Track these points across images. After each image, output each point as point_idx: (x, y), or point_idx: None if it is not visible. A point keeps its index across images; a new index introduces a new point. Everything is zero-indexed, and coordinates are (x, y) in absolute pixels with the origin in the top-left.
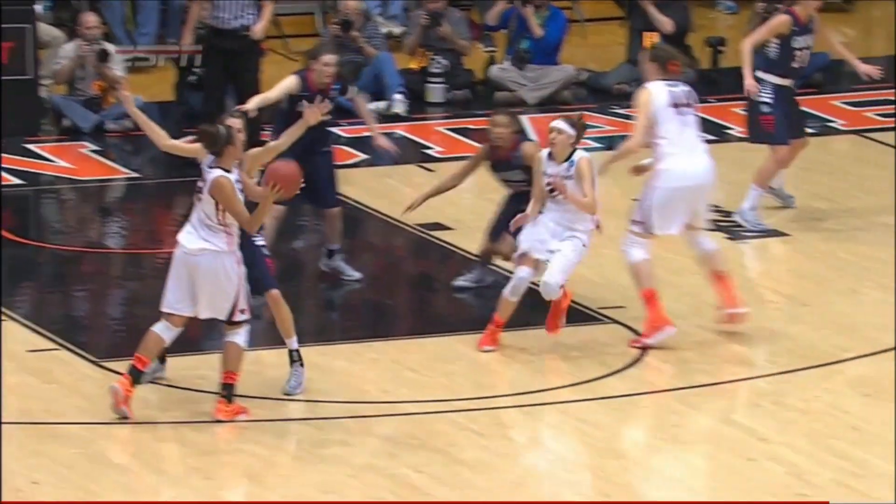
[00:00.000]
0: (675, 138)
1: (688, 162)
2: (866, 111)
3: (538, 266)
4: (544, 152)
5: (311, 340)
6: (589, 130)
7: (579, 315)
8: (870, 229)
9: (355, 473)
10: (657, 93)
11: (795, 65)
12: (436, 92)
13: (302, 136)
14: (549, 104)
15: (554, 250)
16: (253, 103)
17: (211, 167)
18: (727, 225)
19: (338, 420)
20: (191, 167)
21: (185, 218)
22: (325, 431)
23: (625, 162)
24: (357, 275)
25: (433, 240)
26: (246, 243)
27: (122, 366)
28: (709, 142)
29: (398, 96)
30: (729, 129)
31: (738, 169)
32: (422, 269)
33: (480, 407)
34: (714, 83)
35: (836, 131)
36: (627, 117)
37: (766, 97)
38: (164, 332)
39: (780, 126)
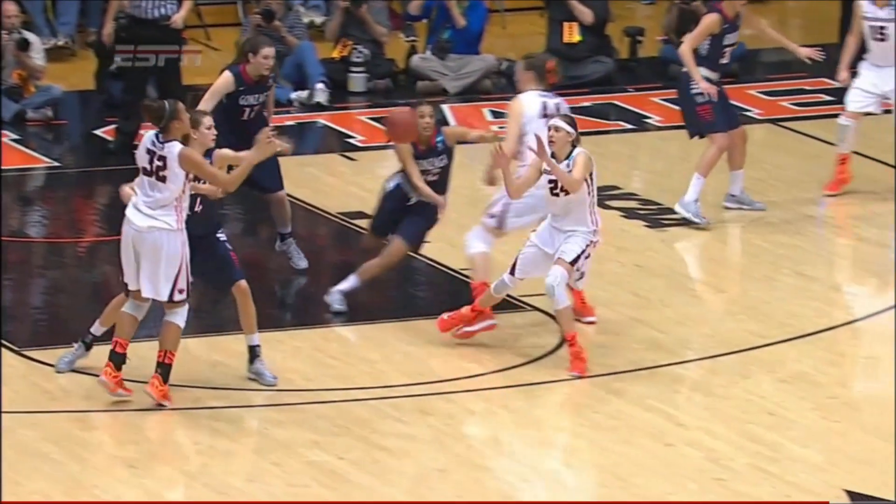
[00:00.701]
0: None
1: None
2: (781, 100)
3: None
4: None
5: (235, 329)
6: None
7: (500, 304)
8: (786, 217)
9: (279, 460)
10: (529, 103)
11: (724, 60)
12: (357, 81)
13: (241, 130)
14: (470, 93)
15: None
16: (205, 107)
17: (163, 143)
18: (646, 213)
19: (261, 408)
20: (111, 156)
21: (107, 207)
22: (248, 419)
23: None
24: (304, 264)
25: (355, 228)
26: (209, 237)
27: (45, 355)
28: (627, 131)
29: (320, 86)
30: (647, 117)
31: (656, 158)
32: (344, 257)
33: (403, 394)
34: (632, 72)
35: (753, 120)
36: None
37: (698, 88)
38: (134, 310)
39: (718, 114)
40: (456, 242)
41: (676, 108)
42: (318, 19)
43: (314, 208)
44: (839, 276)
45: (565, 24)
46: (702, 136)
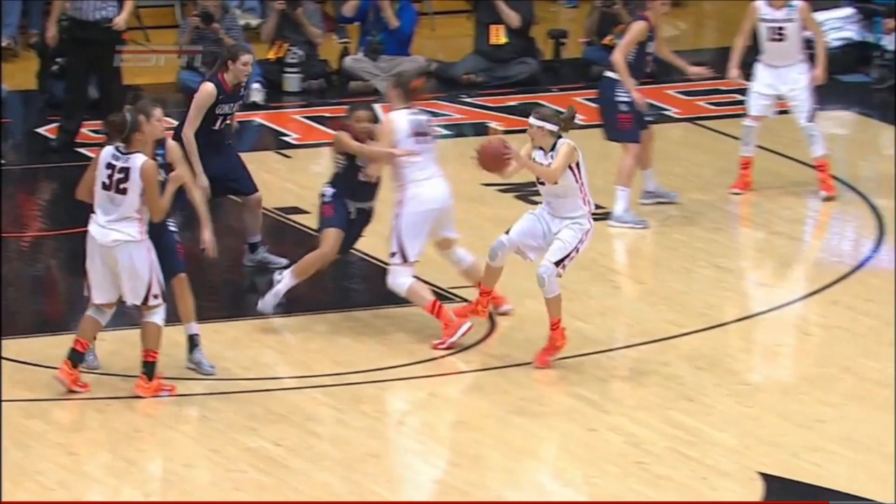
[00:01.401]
0: (416, 165)
1: (430, 187)
2: (698, 100)
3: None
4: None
5: (174, 319)
6: (437, 118)
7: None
8: (702, 211)
9: (217, 447)
10: (399, 122)
11: (646, 68)
12: (292, 81)
13: (211, 138)
14: None
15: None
16: (189, 129)
17: (125, 154)
18: None
19: (199, 396)
20: (53, 154)
21: (49, 203)
22: (187, 407)
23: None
24: (284, 261)
25: (291, 223)
26: (159, 226)
27: None
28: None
29: (256, 85)
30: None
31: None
32: (280, 251)
33: (337, 383)
34: (556, 73)
35: (671, 119)
36: (475, 106)
37: (625, 97)
38: (98, 315)
39: (636, 124)
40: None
41: (597, 107)
42: (254, 21)
43: None
44: (753, 268)
45: (492, 27)
46: (617, 142)
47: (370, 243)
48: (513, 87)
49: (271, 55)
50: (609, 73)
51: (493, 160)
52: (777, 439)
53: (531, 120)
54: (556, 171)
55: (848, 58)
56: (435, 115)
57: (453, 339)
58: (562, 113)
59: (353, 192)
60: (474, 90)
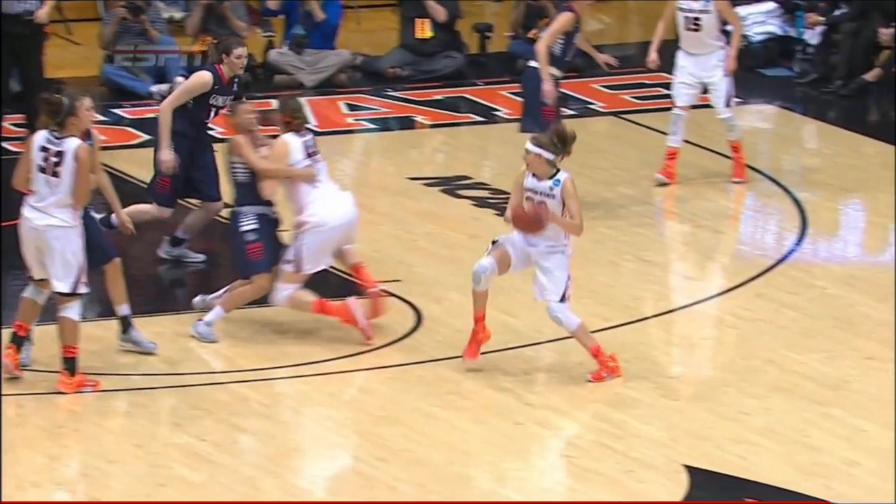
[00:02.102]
0: (313, 186)
1: (334, 205)
2: (623, 94)
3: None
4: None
5: (94, 314)
6: (364, 112)
7: (357, 289)
8: (627, 205)
9: (141, 443)
10: (293, 143)
11: (570, 58)
12: None
13: (201, 130)
14: (326, 87)
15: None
16: (169, 105)
17: (59, 139)
18: (496, 202)
19: (123, 392)
20: None
21: None
22: (110, 403)
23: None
24: (201, 257)
25: (216, 217)
26: (87, 215)
27: None
28: (477, 123)
29: (179, 79)
30: (497, 110)
31: (505, 149)
32: (205, 245)
33: (262, 378)
34: (482, 67)
35: (596, 113)
36: (400, 99)
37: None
38: (36, 295)
39: (557, 118)
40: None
41: (520, 98)
42: (178, 14)
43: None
44: (678, 261)
45: (417, 21)
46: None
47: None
48: (438, 81)
49: (196, 49)
50: (534, 64)
51: (531, 225)
52: (702, 432)
53: (529, 146)
54: (581, 223)
55: (770, 52)
56: (360, 109)
57: (362, 323)
58: (560, 142)
59: (261, 198)
60: (400, 84)
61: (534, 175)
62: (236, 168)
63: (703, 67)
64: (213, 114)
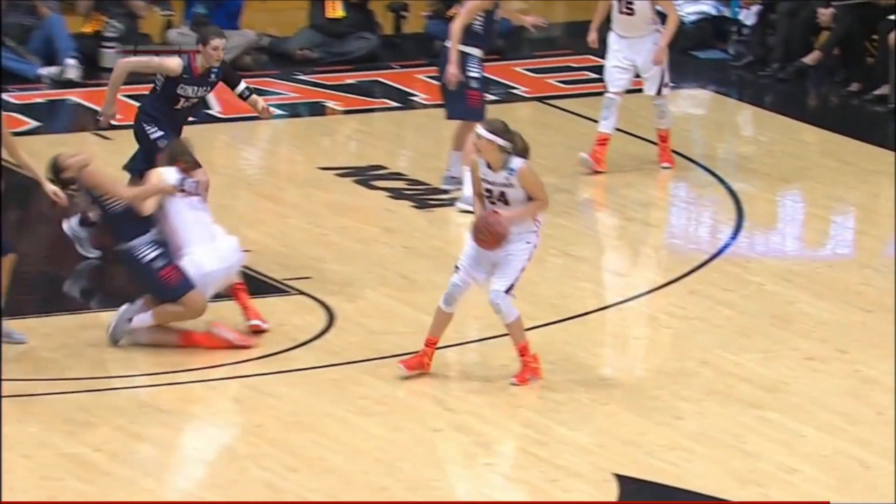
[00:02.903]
0: (192, 230)
1: (214, 250)
2: (548, 77)
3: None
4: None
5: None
6: (271, 97)
7: (265, 287)
8: (552, 195)
9: (30, 452)
10: (167, 175)
11: (492, 38)
12: (110, 57)
13: (171, 116)
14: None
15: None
16: (126, 62)
17: None
18: (413, 193)
19: (13, 398)
20: None
21: None
22: None
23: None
24: (96, 252)
25: None
26: None
27: None
28: (392, 108)
29: (71, 61)
30: (413, 95)
31: (423, 137)
32: (97, 242)
33: (163, 382)
34: (397, 49)
35: (519, 98)
36: (310, 84)
37: (474, 72)
38: None
39: (484, 101)
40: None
41: (439, 84)
42: None
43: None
44: (608, 256)
45: (327, 1)
46: (461, 120)
47: None
48: (351, 64)
49: (88, 29)
50: (459, 47)
51: (493, 243)
52: (632, 438)
53: (478, 130)
54: (545, 199)
55: (703, 33)
56: (267, 93)
57: (234, 339)
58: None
59: (145, 223)
60: (309, 67)
61: (488, 165)
62: (105, 202)
63: (636, 51)
64: (181, 103)
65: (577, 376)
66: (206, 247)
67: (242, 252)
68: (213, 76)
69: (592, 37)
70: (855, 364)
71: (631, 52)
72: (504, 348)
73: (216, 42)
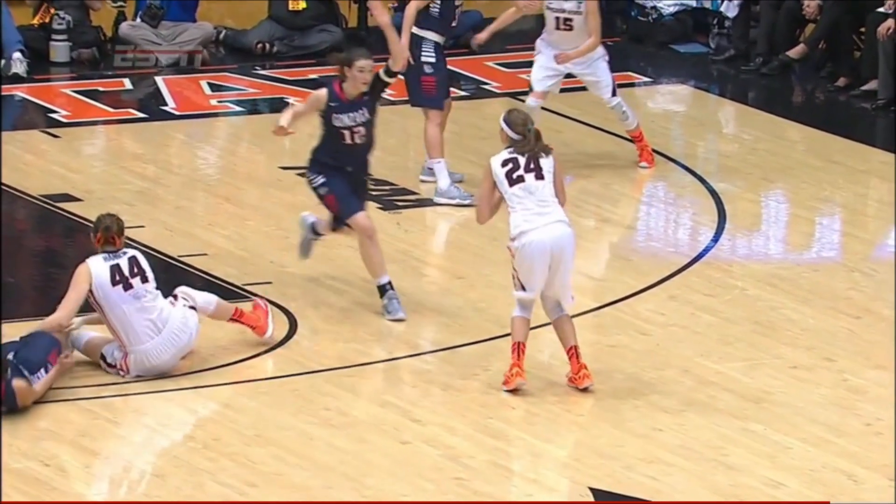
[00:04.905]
0: (129, 326)
1: (157, 344)
2: (520, 73)
3: None
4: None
5: None
6: (229, 93)
7: (224, 293)
8: None
9: None
10: (97, 270)
11: (454, 23)
12: (59, 51)
13: (331, 164)
14: (186, 65)
15: None
16: (285, 119)
17: None
18: (379, 194)
19: None
20: None
21: None
22: None
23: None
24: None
25: (60, 212)
26: None
27: None
28: None
29: (17, 55)
30: None
31: (388, 134)
32: (47, 243)
33: (115, 394)
34: (362, 42)
35: (491, 94)
36: (270, 79)
37: (429, 56)
38: None
39: (440, 88)
40: (173, 227)
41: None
42: None
43: (13, 189)
44: (583, 260)
45: None
46: (419, 107)
47: (157, 235)
48: (313, 59)
49: (36, 20)
50: (414, 29)
51: None
52: (609, 450)
53: (500, 121)
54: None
55: (683, 25)
56: (225, 89)
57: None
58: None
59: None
60: (269, 61)
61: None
62: None
63: (575, 63)
64: (347, 137)
65: (551, 386)
66: (151, 343)
67: (193, 327)
68: (366, 97)
69: (482, 37)
70: (842, 373)
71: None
72: (476, 356)
73: (362, 63)
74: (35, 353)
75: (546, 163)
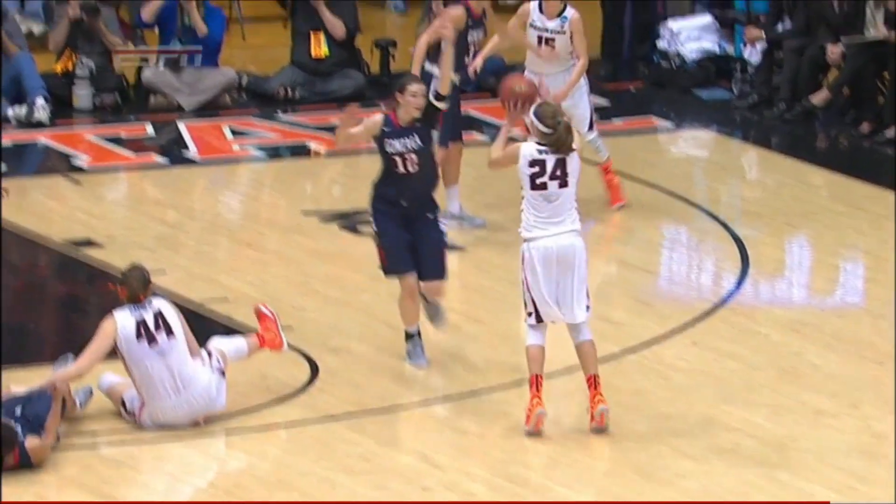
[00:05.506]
0: (153, 382)
1: (174, 405)
2: None
3: None
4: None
5: None
6: (251, 138)
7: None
8: None
9: None
10: (123, 323)
11: (467, 59)
12: (82, 97)
13: (412, 184)
14: (208, 110)
15: None
16: (341, 141)
17: None
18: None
19: None
20: None
21: None
22: None
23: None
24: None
25: (81, 258)
26: None
27: None
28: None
29: (40, 101)
30: None
31: None
32: (69, 289)
33: (136, 441)
34: (384, 88)
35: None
36: (292, 124)
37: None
38: None
39: (446, 125)
40: (195, 272)
41: None
42: (37, 28)
43: (36, 236)
44: (605, 304)
45: (312, 35)
46: None
47: (178, 281)
48: (335, 104)
49: (58, 67)
50: (426, 65)
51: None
52: (632, 497)
53: (529, 113)
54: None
55: (706, 71)
56: (247, 134)
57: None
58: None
59: None
60: (291, 106)
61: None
62: None
63: (556, 86)
64: (400, 165)
65: (572, 432)
66: (169, 402)
67: (217, 394)
68: (419, 124)
69: (478, 63)
70: (867, 419)
71: (551, 86)
72: (496, 401)
73: (413, 87)
74: (42, 408)
75: (572, 166)
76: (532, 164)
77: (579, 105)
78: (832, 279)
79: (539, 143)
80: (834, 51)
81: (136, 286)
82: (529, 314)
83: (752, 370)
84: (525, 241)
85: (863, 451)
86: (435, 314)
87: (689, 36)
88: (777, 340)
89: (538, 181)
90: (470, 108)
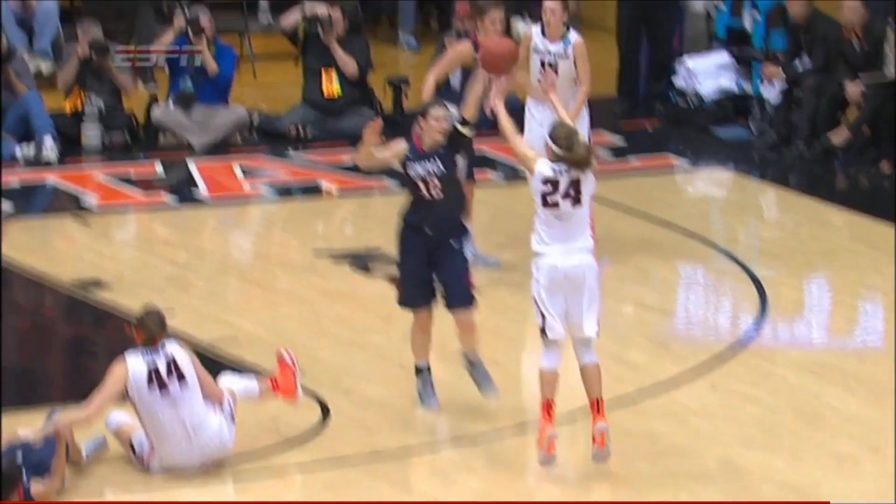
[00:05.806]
0: (163, 428)
1: (183, 450)
2: None
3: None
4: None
5: None
6: (262, 177)
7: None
8: None
9: None
10: (134, 367)
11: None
12: (91, 136)
13: (438, 210)
14: (219, 149)
15: None
16: (363, 158)
17: None
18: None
19: None
20: None
21: None
22: None
23: None
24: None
25: (89, 300)
26: None
27: None
28: (392, 190)
29: (48, 140)
30: None
31: None
32: (77, 330)
33: (145, 487)
34: (398, 126)
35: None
36: (304, 163)
37: None
38: None
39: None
40: (204, 312)
41: None
42: (46, 67)
43: (44, 277)
44: (622, 345)
45: (324, 73)
46: None
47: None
48: (347, 142)
49: (67, 106)
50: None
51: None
52: None
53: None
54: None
55: (724, 109)
56: (258, 173)
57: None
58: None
59: None
60: (303, 145)
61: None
62: None
63: (550, 116)
64: (423, 189)
65: (585, 475)
66: (178, 449)
67: (226, 440)
68: (443, 150)
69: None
70: (888, 463)
71: (544, 117)
72: (512, 446)
73: (437, 112)
74: (46, 453)
75: (586, 185)
76: (545, 182)
77: (580, 129)
78: (852, 320)
79: (553, 161)
80: (853, 89)
81: (153, 329)
82: (542, 330)
83: (771, 413)
84: (535, 254)
85: (885, 496)
86: (481, 379)
87: (707, 73)
88: (795, 383)
89: (549, 199)
90: (483, 146)
